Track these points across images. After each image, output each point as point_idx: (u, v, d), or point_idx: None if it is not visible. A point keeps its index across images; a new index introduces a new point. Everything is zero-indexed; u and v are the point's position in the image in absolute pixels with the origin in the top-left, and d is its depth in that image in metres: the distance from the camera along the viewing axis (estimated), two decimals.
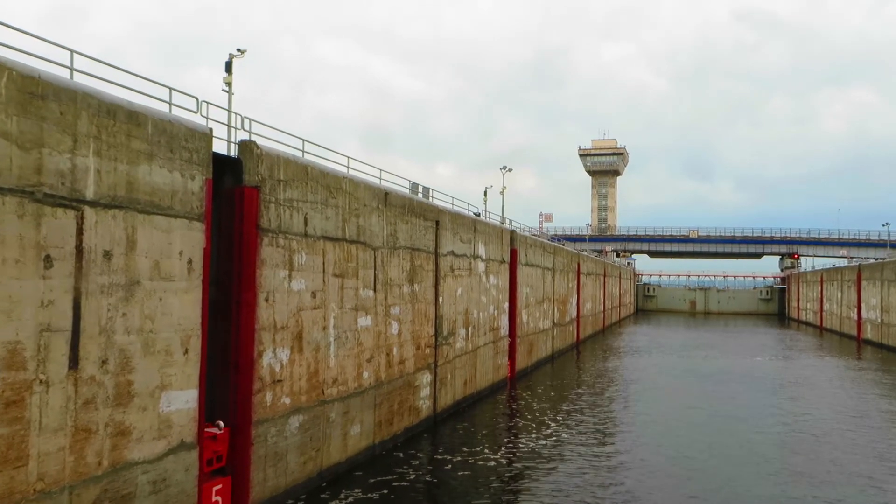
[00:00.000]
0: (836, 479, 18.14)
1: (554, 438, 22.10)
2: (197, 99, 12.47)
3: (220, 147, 13.73)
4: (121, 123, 10.40)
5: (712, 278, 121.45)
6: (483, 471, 18.24)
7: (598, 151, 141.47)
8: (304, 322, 15.32)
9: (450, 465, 18.65)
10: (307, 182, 15.49)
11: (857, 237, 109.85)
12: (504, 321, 32.49)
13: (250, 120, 14.14)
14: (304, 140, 16.16)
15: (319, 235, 16.00)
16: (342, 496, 15.48)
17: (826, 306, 75.95)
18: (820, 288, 78.99)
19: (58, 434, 9.36)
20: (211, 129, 12.45)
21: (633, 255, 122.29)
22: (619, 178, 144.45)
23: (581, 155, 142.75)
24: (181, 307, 11.58)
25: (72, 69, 10.16)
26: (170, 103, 11.90)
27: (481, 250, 28.66)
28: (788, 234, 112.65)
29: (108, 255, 10.16)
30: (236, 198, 13.39)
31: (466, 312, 26.69)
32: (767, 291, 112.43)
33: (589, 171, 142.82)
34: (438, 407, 23.75)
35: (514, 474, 18.31)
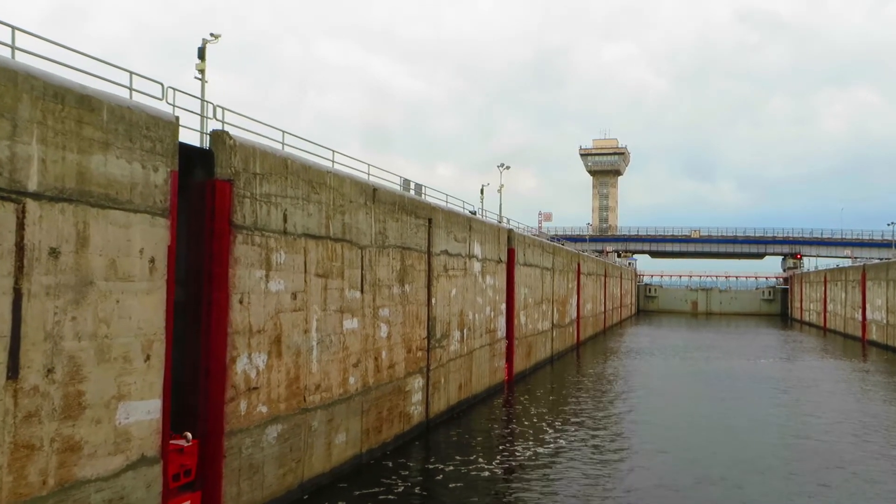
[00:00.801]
0: (846, 487, 17.20)
1: (552, 446, 21.16)
2: (162, 85, 11.55)
3: (191, 138, 12.84)
4: (71, 108, 9.47)
5: (714, 279, 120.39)
6: (476, 481, 17.30)
7: (598, 151, 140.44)
8: (284, 325, 14.39)
9: (441, 476, 17.71)
10: (287, 176, 14.56)
11: (860, 237, 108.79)
12: (501, 323, 31.55)
13: (223, 109, 13.22)
14: (283, 132, 15.24)
15: (301, 233, 15.06)
16: None
17: (830, 307, 74.96)
18: (823, 288, 78.00)
19: None
20: (177, 118, 11.52)
21: (635, 256, 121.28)
22: (620, 177, 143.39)
23: (582, 154, 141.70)
24: (142, 310, 10.64)
25: (13, 48, 9.23)
26: (130, 88, 10.97)
27: (477, 250, 27.72)
28: (791, 234, 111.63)
29: (54, 252, 9.22)
30: (207, 192, 12.47)
31: (461, 314, 25.75)
32: (770, 292, 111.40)
33: (590, 171, 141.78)
34: (431, 412, 22.81)
35: (508, 485, 17.38)
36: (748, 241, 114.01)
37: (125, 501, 10.37)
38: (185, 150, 12.20)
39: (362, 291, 17.92)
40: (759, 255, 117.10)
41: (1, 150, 8.52)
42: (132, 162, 10.49)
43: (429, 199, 23.61)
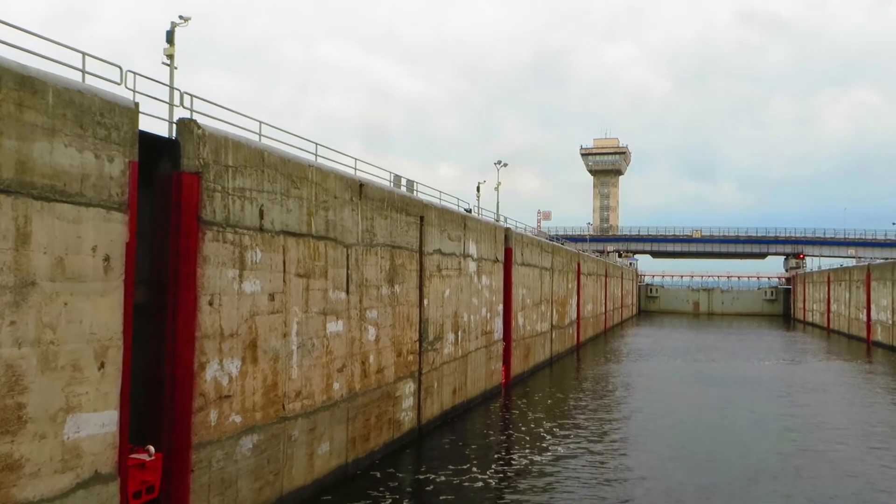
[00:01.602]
0: (859, 497, 16.25)
1: (549, 454, 20.22)
2: (120, 68, 10.61)
3: (159, 128, 11.91)
4: (9, 90, 8.54)
5: (716, 279, 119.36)
6: (469, 492, 16.36)
7: (599, 150, 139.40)
8: (260, 328, 13.45)
9: (432, 486, 16.78)
10: (263, 169, 13.62)
11: (863, 237, 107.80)
12: (498, 324, 30.60)
13: (192, 96, 12.28)
14: (261, 122, 14.31)
15: (279, 230, 14.13)
16: None
17: (833, 307, 73.95)
18: (827, 288, 76.98)
19: None
20: (136, 104, 10.58)
21: (636, 256, 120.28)
22: (621, 177, 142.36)
23: (583, 154, 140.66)
24: (95, 313, 9.71)
25: None
26: (83, 71, 10.04)
27: (472, 249, 26.78)
28: (793, 234, 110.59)
29: None
30: (173, 185, 11.53)
31: (455, 315, 24.81)
32: (772, 292, 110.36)
33: (591, 171, 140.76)
34: (423, 418, 21.86)
35: (503, 496, 16.43)
36: (750, 240, 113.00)
37: None
38: (149, 139, 11.27)
39: (348, 292, 16.98)
40: (762, 255, 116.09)
41: None
42: (83, 151, 9.56)
43: (421, 197, 22.67)
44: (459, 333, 25.27)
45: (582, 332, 53.64)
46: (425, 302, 21.92)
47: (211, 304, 12.08)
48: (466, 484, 16.97)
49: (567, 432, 23.03)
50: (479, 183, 37.38)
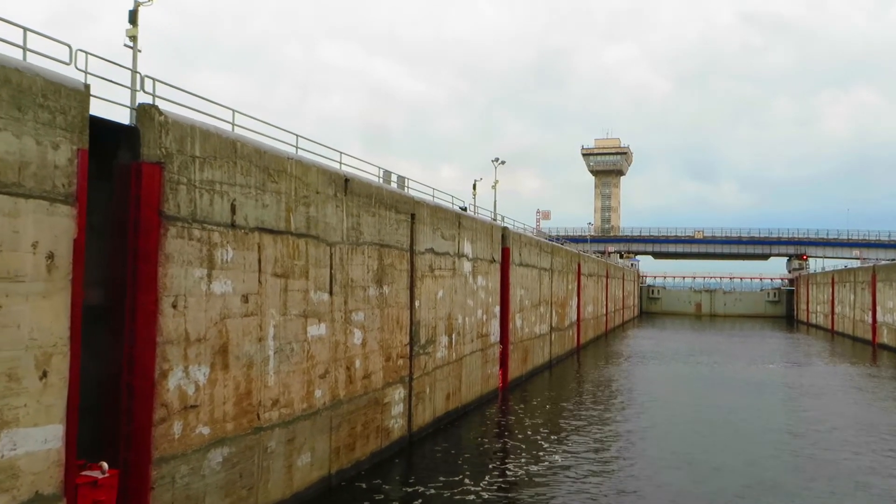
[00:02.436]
0: None
1: (546, 463, 19.25)
2: (70, 46, 9.63)
3: (119, 115, 10.93)
4: None
5: (718, 280, 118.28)
6: None
7: (601, 151, 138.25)
8: (231, 332, 12.47)
9: (421, 499, 15.82)
10: (236, 161, 12.65)
11: (867, 237, 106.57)
12: (494, 326, 29.61)
13: (153, 79, 11.29)
14: (234, 111, 13.31)
15: (253, 227, 13.15)
16: None
17: (838, 309, 72.87)
18: (831, 290, 75.90)
19: None
20: (88, 86, 9.61)
21: (637, 257, 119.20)
22: (622, 177, 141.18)
23: (584, 154, 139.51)
24: (36, 317, 8.73)
25: None
26: (24, 48, 9.07)
27: (467, 248, 25.79)
28: (796, 235, 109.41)
29: None
30: (131, 176, 10.56)
31: (449, 317, 23.82)
32: (775, 293, 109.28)
33: (592, 171, 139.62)
34: (414, 426, 20.87)
35: None
36: (752, 241, 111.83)
37: None
38: (105, 126, 10.31)
39: (331, 293, 16.00)
40: (764, 256, 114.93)
41: None
42: (22, 136, 8.59)
43: (412, 193, 21.69)
44: (453, 336, 24.28)
45: (582, 334, 52.62)
46: (416, 303, 20.94)
47: (175, 306, 11.10)
48: (458, 496, 16.00)
49: (565, 440, 22.04)
50: (475, 180, 36.37)
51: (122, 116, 10.95)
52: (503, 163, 40.64)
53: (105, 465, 9.99)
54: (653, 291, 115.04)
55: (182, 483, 11.25)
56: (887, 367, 44.27)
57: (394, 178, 21.93)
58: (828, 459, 20.13)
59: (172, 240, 11.06)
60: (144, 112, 10.75)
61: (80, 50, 9.83)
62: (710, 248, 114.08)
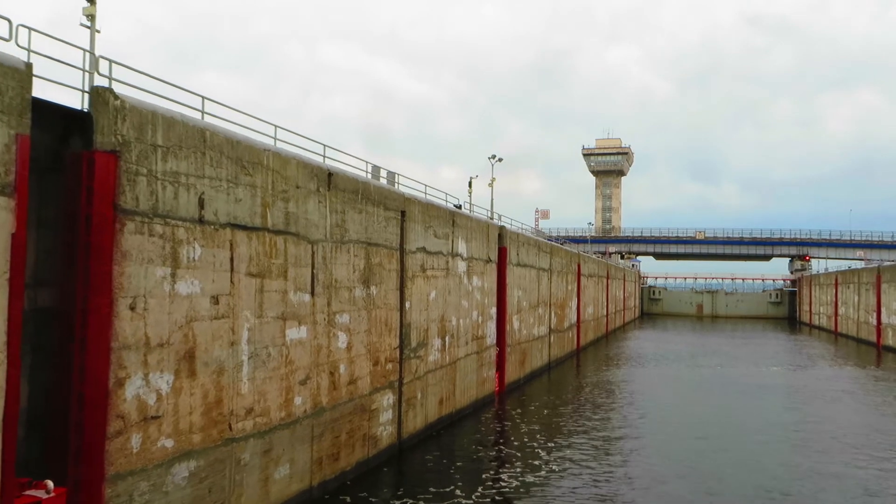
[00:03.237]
0: None
1: (543, 472, 18.32)
2: (9, 21, 8.70)
3: (72, 100, 10.01)
4: None
5: (720, 281, 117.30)
6: None
7: (602, 151, 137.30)
8: (199, 336, 11.54)
9: None
10: (205, 151, 11.72)
11: (869, 238, 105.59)
12: (491, 328, 28.67)
13: (109, 61, 10.36)
14: (203, 98, 12.38)
15: (225, 222, 12.22)
16: None
17: (841, 310, 71.89)
18: (834, 291, 74.92)
19: None
20: (29, 65, 8.69)
21: (638, 257, 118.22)
22: (623, 178, 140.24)
23: (585, 155, 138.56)
24: None
25: None
26: None
27: (462, 247, 24.86)
28: (798, 236, 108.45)
29: None
30: (83, 166, 9.63)
31: (442, 319, 22.88)
32: (777, 294, 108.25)
33: (593, 172, 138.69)
34: (405, 433, 19.94)
35: None
36: (754, 242, 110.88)
37: None
38: (54, 111, 9.40)
39: (313, 294, 15.06)
40: (766, 257, 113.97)
41: None
42: None
43: (403, 190, 20.76)
44: (447, 339, 23.35)
45: (582, 335, 51.68)
46: (407, 305, 20.01)
47: (133, 308, 10.17)
48: None
49: (563, 447, 21.11)
50: (470, 178, 35.40)
51: (76, 101, 10.04)
52: (500, 160, 39.73)
53: (50, 483, 9.05)
54: (654, 292, 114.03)
55: (141, 500, 10.31)
56: (893, 369, 43.30)
57: (383, 173, 21.01)
58: (837, 467, 19.18)
59: (130, 236, 10.13)
60: (98, 96, 9.82)
61: (22, 25, 8.91)
62: (712, 249, 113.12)
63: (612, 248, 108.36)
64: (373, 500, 15.61)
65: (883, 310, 57.35)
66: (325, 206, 15.57)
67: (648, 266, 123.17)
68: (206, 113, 12.38)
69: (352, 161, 18.23)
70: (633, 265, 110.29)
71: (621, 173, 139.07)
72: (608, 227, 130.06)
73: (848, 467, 19.29)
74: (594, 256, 68.22)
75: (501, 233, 30.36)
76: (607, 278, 67.23)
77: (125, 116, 10.05)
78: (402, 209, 19.75)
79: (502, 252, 30.22)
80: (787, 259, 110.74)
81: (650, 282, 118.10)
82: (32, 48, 9.12)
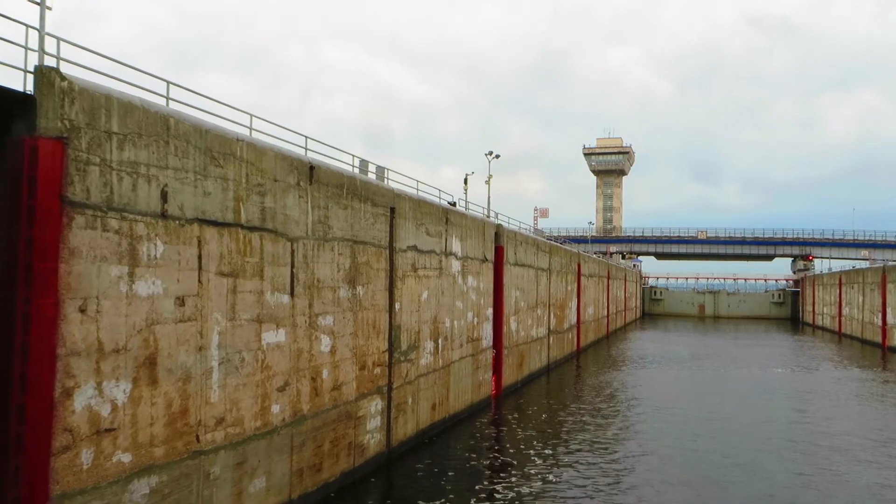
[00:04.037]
0: None
1: (540, 482, 17.42)
2: None
3: (14, 81, 9.09)
4: None
5: (722, 281, 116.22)
6: None
7: (603, 150, 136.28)
8: (161, 341, 10.62)
9: None
10: (168, 140, 10.79)
11: (873, 238, 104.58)
12: (487, 330, 27.74)
13: (58, 39, 9.43)
14: (168, 82, 11.47)
15: (192, 217, 11.30)
16: None
17: (845, 311, 70.87)
18: (838, 291, 73.89)
19: None
20: None
21: (640, 257, 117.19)
22: (624, 177, 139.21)
23: (586, 154, 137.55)
24: None
25: None
26: None
27: (456, 246, 23.93)
28: (801, 235, 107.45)
29: None
30: (25, 153, 8.72)
31: (435, 321, 21.95)
32: (780, 295, 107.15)
33: (594, 171, 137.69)
34: (394, 440, 19.01)
35: None
36: (757, 242, 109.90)
37: None
38: None
39: (293, 295, 14.14)
40: (768, 257, 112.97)
41: None
42: None
43: (393, 185, 19.82)
44: (440, 341, 22.42)
45: (582, 336, 50.73)
46: (397, 306, 19.09)
47: (83, 310, 9.24)
48: None
49: (562, 454, 20.17)
50: (466, 174, 34.47)
51: (19, 82, 9.12)
52: (497, 157, 38.79)
53: None
54: (655, 293, 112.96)
55: None
56: None
57: (372, 168, 20.08)
58: (848, 475, 18.24)
59: (80, 231, 9.21)
60: (43, 76, 8.90)
61: None
62: (714, 249, 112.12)
63: (613, 248, 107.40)
64: None
65: (888, 310, 56.36)
66: (306, 201, 14.65)
67: (650, 266, 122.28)
68: (172, 99, 11.46)
69: (338, 155, 17.33)
70: (634, 265, 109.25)
71: (622, 173, 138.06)
72: (609, 226, 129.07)
73: (859, 476, 18.35)
74: (595, 256, 67.26)
75: (498, 231, 29.44)
76: (608, 278, 66.27)
77: (74, 99, 9.12)
78: (392, 205, 18.83)
79: (499, 251, 29.29)
80: (790, 259, 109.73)
81: (652, 282, 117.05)
82: None
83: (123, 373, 9.90)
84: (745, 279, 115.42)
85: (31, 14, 9.43)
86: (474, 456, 20.36)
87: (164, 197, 10.68)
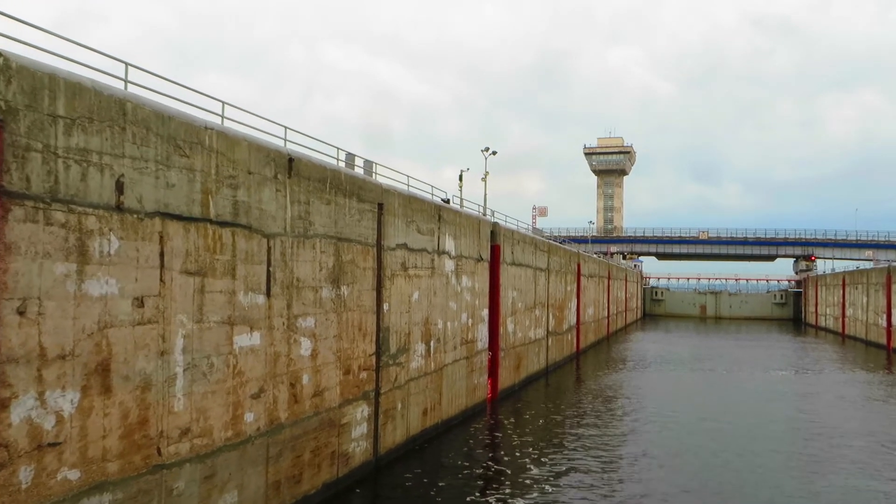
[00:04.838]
0: None
1: (536, 492, 16.50)
2: None
3: None
4: None
5: (723, 281, 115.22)
6: None
7: (603, 150, 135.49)
8: (116, 345, 9.70)
9: None
10: (125, 126, 9.88)
11: (876, 238, 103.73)
12: (482, 331, 26.81)
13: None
14: (127, 64, 10.54)
15: (152, 211, 10.38)
16: None
17: (849, 312, 69.90)
18: (842, 292, 72.92)
19: None
20: None
21: (641, 258, 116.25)
22: (625, 177, 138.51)
23: (586, 154, 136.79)
24: None
25: None
26: None
27: (450, 245, 23.01)
28: (803, 236, 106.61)
29: None
30: None
31: (427, 322, 21.04)
32: (782, 295, 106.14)
33: (595, 171, 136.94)
34: (382, 448, 18.10)
35: None
36: (758, 242, 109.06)
37: None
38: None
39: (269, 295, 13.22)
40: (770, 258, 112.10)
41: None
42: None
43: (381, 180, 18.90)
44: (432, 343, 21.50)
45: (582, 337, 49.79)
46: (385, 307, 18.17)
47: (22, 312, 8.33)
48: None
49: (559, 461, 19.25)
50: (461, 171, 33.59)
51: None
52: (494, 153, 37.89)
53: None
54: (656, 293, 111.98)
55: None
56: None
57: (359, 161, 19.16)
58: (855, 482, 17.31)
59: (18, 224, 8.30)
60: None
61: None
62: (715, 249, 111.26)
63: (613, 248, 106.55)
64: None
65: (893, 311, 55.43)
66: (284, 195, 13.73)
67: (651, 266, 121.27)
68: (132, 83, 10.54)
69: (321, 147, 16.40)
70: (635, 265, 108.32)
71: (623, 172, 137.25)
72: (610, 226, 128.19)
73: (867, 483, 17.42)
74: (595, 256, 66.34)
75: (494, 230, 28.52)
76: (608, 279, 65.34)
77: (10, 78, 8.21)
78: (380, 201, 17.91)
79: (496, 250, 28.38)
80: (792, 259, 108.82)
81: (653, 282, 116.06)
82: None
83: (70, 381, 8.98)
84: (747, 280, 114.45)
85: None
86: (467, 464, 19.43)
87: (119, 188, 9.76)
